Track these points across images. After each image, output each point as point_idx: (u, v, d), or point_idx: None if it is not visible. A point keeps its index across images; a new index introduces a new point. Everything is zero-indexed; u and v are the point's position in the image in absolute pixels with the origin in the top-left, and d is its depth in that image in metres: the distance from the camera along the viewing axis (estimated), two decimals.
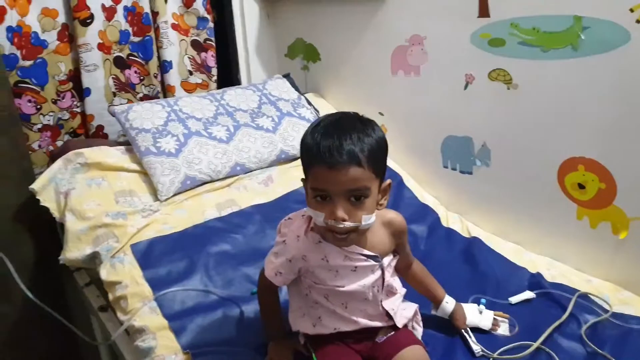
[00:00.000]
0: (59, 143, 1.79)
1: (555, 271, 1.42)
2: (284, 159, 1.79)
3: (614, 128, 1.31)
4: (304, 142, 0.97)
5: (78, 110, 1.83)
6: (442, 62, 1.65)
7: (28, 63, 1.67)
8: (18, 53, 1.64)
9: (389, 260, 1.09)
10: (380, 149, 0.96)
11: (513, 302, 1.29)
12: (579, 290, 1.30)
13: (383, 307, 1.08)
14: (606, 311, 1.24)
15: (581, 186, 1.41)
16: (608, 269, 1.40)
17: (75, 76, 1.79)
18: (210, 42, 2.03)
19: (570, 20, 1.31)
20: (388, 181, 1.01)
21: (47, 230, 1.63)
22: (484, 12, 1.48)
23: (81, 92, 1.80)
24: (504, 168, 1.58)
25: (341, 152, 0.91)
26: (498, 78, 1.51)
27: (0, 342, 1.60)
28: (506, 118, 1.53)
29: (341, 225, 0.93)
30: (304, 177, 1.02)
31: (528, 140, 1.49)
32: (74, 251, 1.43)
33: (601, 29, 1.27)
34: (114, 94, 1.85)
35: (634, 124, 1.28)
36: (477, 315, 1.20)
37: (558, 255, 1.48)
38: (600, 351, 1.12)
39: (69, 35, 1.75)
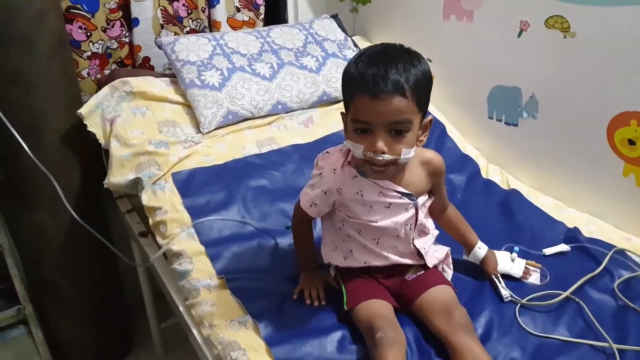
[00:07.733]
0: (107, 72, 1.82)
1: (593, 227, 1.39)
2: (326, 101, 1.77)
3: None
4: (346, 72, 0.95)
5: (126, 40, 1.84)
6: (498, 7, 1.57)
7: None
8: None
9: (423, 200, 1.09)
10: (425, 82, 0.94)
11: (547, 254, 1.27)
12: (616, 247, 1.27)
13: (414, 246, 1.09)
14: None
15: (631, 142, 1.35)
16: None
17: (125, 5, 1.78)
18: None
19: None
20: (430, 117, 1.00)
21: (93, 156, 1.67)
22: None
23: (130, 22, 1.81)
24: (552, 121, 1.52)
25: (386, 81, 0.89)
26: (555, 25, 1.43)
27: (47, 260, 1.68)
28: (559, 68, 1.45)
29: (380, 158, 0.92)
30: (343, 110, 1.01)
31: (579, 93, 1.43)
32: (117, 176, 1.48)
33: None
34: (162, 26, 1.84)
35: None
36: (508, 262, 1.19)
37: (599, 212, 1.44)
38: (632, 304, 1.11)
39: None
